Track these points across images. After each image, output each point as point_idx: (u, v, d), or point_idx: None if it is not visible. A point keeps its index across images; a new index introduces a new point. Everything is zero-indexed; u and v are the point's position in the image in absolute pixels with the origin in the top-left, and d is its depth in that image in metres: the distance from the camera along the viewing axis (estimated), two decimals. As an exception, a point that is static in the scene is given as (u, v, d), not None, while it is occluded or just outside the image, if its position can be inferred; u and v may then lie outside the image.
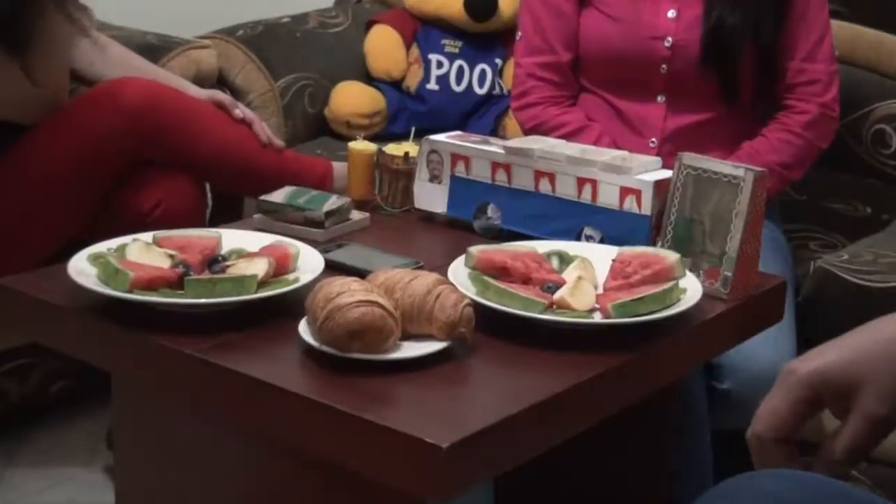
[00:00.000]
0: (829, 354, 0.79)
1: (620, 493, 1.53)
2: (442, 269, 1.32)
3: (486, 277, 1.29)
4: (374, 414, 1.03)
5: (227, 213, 1.95)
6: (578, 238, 1.46)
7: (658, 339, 1.23)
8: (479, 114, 2.62)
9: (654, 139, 1.87)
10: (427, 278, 1.19)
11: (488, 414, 1.04)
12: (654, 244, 1.39)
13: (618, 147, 1.85)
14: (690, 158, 1.40)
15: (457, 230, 1.54)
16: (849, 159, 2.18)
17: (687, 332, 1.27)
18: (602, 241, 1.43)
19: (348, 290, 1.12)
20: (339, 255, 1.40)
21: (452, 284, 1.21)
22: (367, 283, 1.16)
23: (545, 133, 1.90)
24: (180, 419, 1.30)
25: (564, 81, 1.91)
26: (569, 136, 1.85)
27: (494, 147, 1.55)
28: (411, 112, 2.61)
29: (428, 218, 1.58)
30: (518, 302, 1.23)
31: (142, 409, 1.34)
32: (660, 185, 1.42)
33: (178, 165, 1.80)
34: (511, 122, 2.51)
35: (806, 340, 1.71)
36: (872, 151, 2.17)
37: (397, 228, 1.57)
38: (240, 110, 1.86)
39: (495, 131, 2.56)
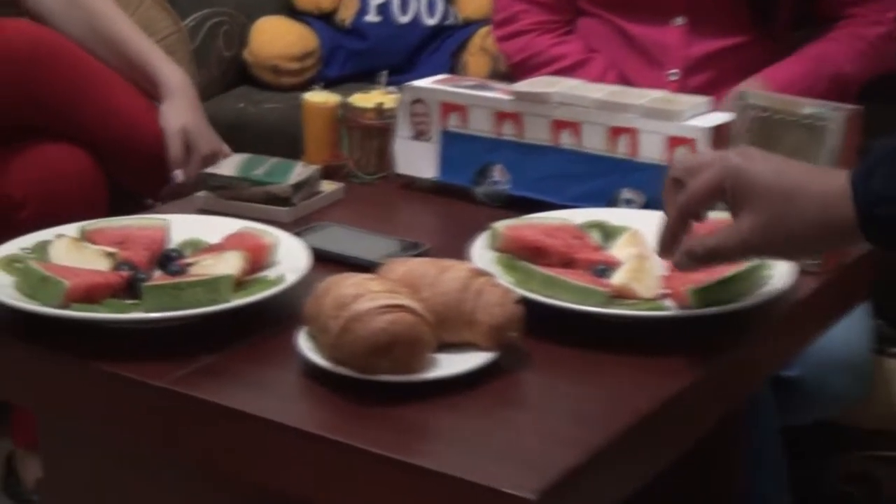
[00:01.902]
0: (766, 166, 1.00)
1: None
2: (451, 253, 1.22)
3: (522, 263, 1.17)
4: (420, 455, 0.93)
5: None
6: (613, 203, 1.37)
7: (749, 329, 1.14)
8: (431, 50, 2.54)
9: (674, 70, 1.78)
10: (459, 269, 1.07)
11: (573, 448, 0.93)
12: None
13: (628, 82, 1.76)
14: (756, 95, 1.31)
15: (451, 199, 1.46)
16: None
17: (780, 317, 1.18)
18: (646, 207, 1.34)
19: (367, 292, 1.00)
20: (321, 241, 1.29)
21: (491, 275, 1.09)
22: (386, 281, 1.03)
23: (535, 68, 1.80)
24: (143, 472, 1.17)
25: (558, 3, 1.83)
26: (566, 72, 1.76)
27: (497, 92, 1.45)
28: (348, 51, 2.52)
29: (411, 185, 1.50)
30: (572, 293, 1.12)
31: (84, 459, 1.21)
32: (718, 132, 1.32)
33: (62, 133, 1.69)
34: (473, 59, 2.42)
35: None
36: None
37: (376, 200, 1.49)
38: (179, 173, 1.77)
39: (453, 70, 2.46)
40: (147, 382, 1.03)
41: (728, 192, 1.01)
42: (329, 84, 1.83)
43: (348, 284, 1.02)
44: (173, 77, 1.83)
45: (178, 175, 1.75)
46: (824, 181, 0.98)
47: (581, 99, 1.39)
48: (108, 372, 1.05)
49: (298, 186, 1.40)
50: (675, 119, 1.34)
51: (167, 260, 1.18)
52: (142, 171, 1.80)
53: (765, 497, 1.57)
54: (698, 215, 1.05)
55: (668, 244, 1.06)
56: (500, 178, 1.44)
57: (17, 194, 1.66)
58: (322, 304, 1.02)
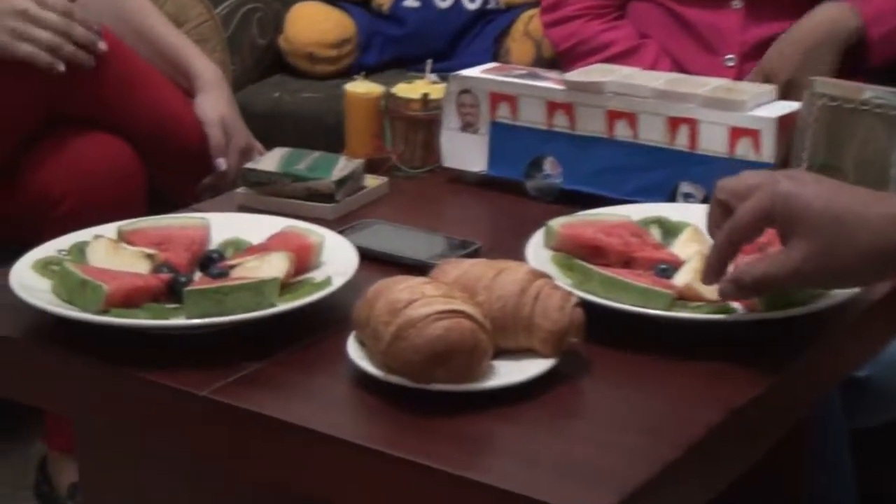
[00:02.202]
0: (817, 191, 0.98)
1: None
2: (503, 252, 1.20)
3: (580, 263, 1.15)
4: (478, 470, 0.90)
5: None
6: (672, 198, 1.35)
7: (821, 332, 1.11)
8: (472, 35, 2.51)
9: (730, 55, 1.76)
10: (517, 272, 1.05)
11: (642, 462, 0.91)
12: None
13: (682, 69, 1.74)
14: (824, 84, 1.28)
15: (501, 194, 1.44)
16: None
17: (854, 319, 1.15)
18: (706, 201, 1.29)
19: (421, 297, 0.98)
20: (367, 240, 1.26)
21: (549, 276, 1.06)
22: (441, 285, 1.00)
23: (584, 55, 1.78)
24: (184, 479, 1.16)
25: None
26: (616, 59, 1.75)
27: (549, 82, 1.43)
28: (386, 37, 2.50)
29: (458, 179, 1.47)
30: (635, 295, 1.10)
31: (122, 466, 1.20)
32: (784, 123, 1.30)
33: (105, 126, 1.70)
34: (516, 45, 2.40)
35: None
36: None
37: (422, 195, 1.46)
38: (222, 161, 1.78)
39: (496, 57, 2.43)
40: (189, 392, 1.01)
41: (777, 219, 0.99)
42: (367, 72, 1.81)
43: (401, 288, 1.00)
44: (207, 70, 1.84)
45: (222, 163, 1.76)
46: (880, 207, 0.96)
47: (637, 88, 1.36)
48: (149, 381, 1.03)
49: (342, 182, 1.37)
50: (738, 109, 1.31)
51: (209, 262, 1.15)
52: (180, 169, 1.80)
53: (831, 501, 1.54)
54: (745, 242, 1.04)
55: (715, 271, 1.04)
56: (551, 172, 1.42)
57: (55, 189, 1.66)
58: (373, 308, 1.00)
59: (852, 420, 1.54)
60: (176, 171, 1.82)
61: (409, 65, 2.43)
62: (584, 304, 1.05)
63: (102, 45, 1.69)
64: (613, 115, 1.37)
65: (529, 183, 1.43)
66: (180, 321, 1.05)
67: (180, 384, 1.01)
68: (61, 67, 1.66)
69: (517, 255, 1.15)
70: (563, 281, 1.11)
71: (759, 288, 1.02)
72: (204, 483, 1.15)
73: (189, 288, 1.06)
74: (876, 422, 1.60)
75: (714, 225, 1.05)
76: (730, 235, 1.02)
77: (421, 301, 0.97)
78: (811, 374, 1.11)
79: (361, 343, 1.03)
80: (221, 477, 1.11)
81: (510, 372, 1.00)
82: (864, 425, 1.58)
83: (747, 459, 1.04)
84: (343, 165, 1.40)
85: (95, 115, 1.75)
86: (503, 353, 1.02)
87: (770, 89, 1.36)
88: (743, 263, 1.03)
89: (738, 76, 1.70)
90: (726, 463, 1.00)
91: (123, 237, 1.19)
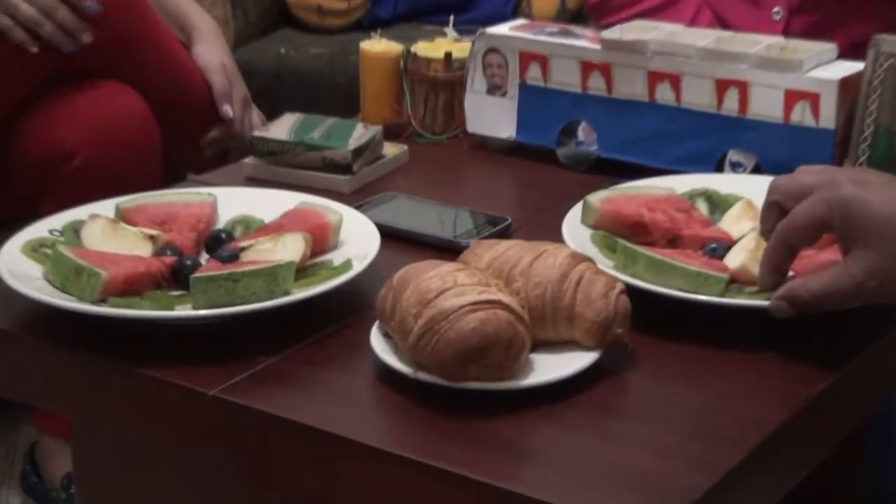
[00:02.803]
0: (884, 196, 0.92)
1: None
2: (536, 228, 1.19)
3: (623, 242, 1.11)
4: (516, 480, 0.86)
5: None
6: (720, 168, 1.32)
7: (891, 317, 1.06)
8: None
9: (777, 8, 1.72)
10: (556, 255, 1.00)
11: (698, 469, 0.86)
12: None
13: (724, 22, 1.70)
14: (891, 42, 1.23)
15: (530, 162, 1.41)
16: None
17: None
18: (757, 171, 1.30)
19: (454, 285, 0.93)
20: (388, 216, 1.23)
21: (591, 260, 1.02)
22: (475, 271, 0.96)
23: (617, 9, 1.75)
24: (187, 476, 1.12)
25: None
26: (653, 13, 1.71)
27: (584, 40, 1.39)
28: None
29: (484, 145, 1.45)
30: (686, 279, 1.05)
31: (124, 461, 1.15)
32: (846, 85, 1.26)
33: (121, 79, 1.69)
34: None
35: None
36: None
37: (445, 164, 1.44)
38: (229, 108, 1.81)
39: (516, 8, 2.39)
40: (197, 390, 0.96)
41: (836, 227, 0.94)
42: (380, 26, 1.76)
43: (431, 275, 0.95)
44: (204, 22, 1.87)
45: (228, 110, 1.78)
46: None
47: (682, 47, 1.32)
48: (152, 378, 0.99)
49: (359, 151, 1.33)
50: (794, 70, 1.27)
51: (216, 243, 1.11)
52: (190, 129, 1.81)
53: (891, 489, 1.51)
54: (802, 247, 0.99)
55: (770, 279, 1.00)
56: (586, 139, 1.40)
57: (68, 141, 1.65)
58: (400, 298, 0.95)
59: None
60: (186, 132, 1.81)
61: (424, 17, 2.39)
62: (629, 290, 1.01)
63: (87, 38, 1.67)
64: (655, 77, 1.34)
65: (561, 151, 1.40)
66: (186, 312, 1.00)
67: (186, 382, 0.97)
68: (34, 49, 1.65)
69: (550, 231, 1.12)
70: (604, 264, 1.07)
71: (817, 305, 0.97)
72: (210, 483, 1.10)
73: (196, 274, 1.01)
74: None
75: (767, 229, 1.00)
76: (784, 237, 0.98)
77: (453, 290, 0.93)
78: (881, 363, 1.07)
79: (386, 335, 0.98)
80: (225, 476, 1.07)
81: (550, 367, 0.95)
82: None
83: (813, 460, 1.00)
84: (360, 133, 1.36)
85: (108, 69, 1.73)
86: (541, 345, 0.98)
87: (831, 47, 1.31)
88: (800, 275, 0.99)
89: (786, 31, 1.64)
90: (791, 465, 0.96)
91: (122, 216, 1.14)
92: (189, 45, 1.86)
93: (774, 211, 0.99)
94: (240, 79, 1.87)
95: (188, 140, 1.81)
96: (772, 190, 1.00)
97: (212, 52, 1.85)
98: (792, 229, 0.97)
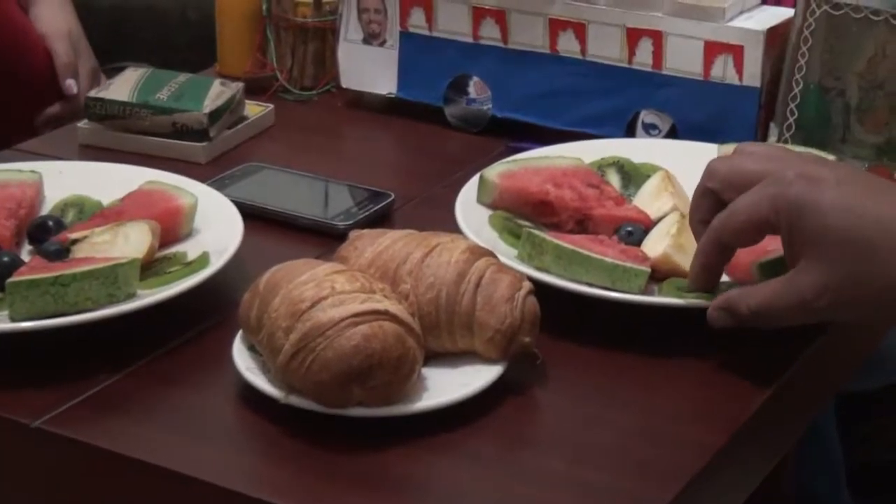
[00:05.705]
0: (840, 199, 0.85)
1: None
2: (422, 204, 1.18)
3: (528, 228, 1.05)
4: None
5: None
6: (631, 130, 1.30)
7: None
8: None
9: None
10: (452, 250, 0.94)
11: None
12: (765, 135, 1.25)
13: None
14: None
15: (414, 122, 1.38)
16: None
17: None
18: (672, 134, 1.28)
19: (331, 293, 0.86)
20: (251, 192, 1.17)
21: (492, 254, 0.95)
22: (355, 273, 0.90)
23: None
24: None
25: None
26: None
27: None
28: None
29: (360, 103, 1.42)
30: (602, 273, 0.99)
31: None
32: (773, 36, 1.24)
33: None
34: None
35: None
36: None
37: (316, 126, 1.41)
38: (73, 83, 1.73)
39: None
40: (16, 421, 0.88)
41: (783, 232, 0.88)
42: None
43: (303, 280, 0.88)
44: None
45: (72, 85, 1.71)
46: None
47: (587, -9, 1.31)
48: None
49: (217, 114, 1.28)
50: (715, 18, 1.25)
51: (42, 233, 1.04)
52: (23, 106, 1.72)
53: (819, 472, 1.53)
54: (740, 247, 0.93)
55: (701, 280, 0.94)
56: (478, 96, 1.38)
57: None
58: (267, 308, 0.88)
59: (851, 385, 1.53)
60: (17, 108, 1.72)
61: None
62: (536, 286, 0.95)
63: None
64: (557, 25, 1.32)
65: (450, 109, 1.38)
66: (4, 325, 0.92)
67: (4, 412, 0.89)
68: None
69: (440, 208, 1.10)
70: (506, 254, 1.02)
71: (757, 320, 0.90)
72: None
73: (14, 278, 0.92)
74: (880, 384, 1.63)
75: (698, 220, 0.94)
76: (719, 236, 0.91)
77: (331, 299, 0.86)
78: (828, 359, 1.04)
79: (253, 349, 0.91)
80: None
81: (447, 386, 0.89)
82: (861, 389, 1.59)
83: (757, 480, 0.97)
84: (218, 92, 1.30)
85: None
86: (435, 357, 0.92)
87: (754, -5, 1.31)
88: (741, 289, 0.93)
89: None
90: (734, 489, 0.93)
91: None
92: (27, 6, 1.77)
93: (709, 199, 0.93)
94: (87, 47, 1.79)
95: (21, 118, 1.72)
96: (708, 174, 0.93)
97: (55, 16, 1.76)
98: (730, 229, 0.91)
